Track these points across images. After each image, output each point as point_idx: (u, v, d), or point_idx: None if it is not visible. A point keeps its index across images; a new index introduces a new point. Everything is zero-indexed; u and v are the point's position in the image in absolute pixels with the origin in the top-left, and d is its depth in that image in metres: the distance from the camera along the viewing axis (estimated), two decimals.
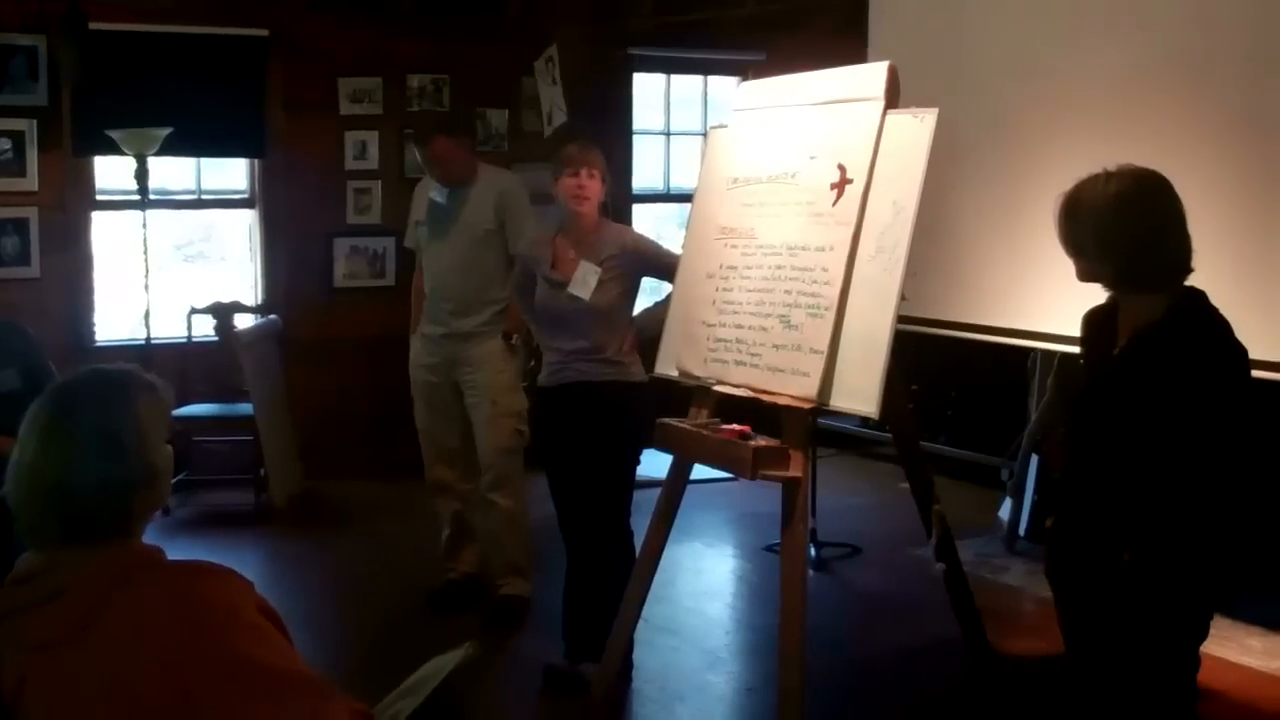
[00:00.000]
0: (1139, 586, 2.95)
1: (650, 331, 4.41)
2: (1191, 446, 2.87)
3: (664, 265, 4.42)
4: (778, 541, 4.01)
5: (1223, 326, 2.94)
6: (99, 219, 7.24)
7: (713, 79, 8.81)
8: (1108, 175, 2.98)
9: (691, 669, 4.72)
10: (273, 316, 7.36)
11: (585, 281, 4.33)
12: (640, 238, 4.51)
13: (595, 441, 4.35)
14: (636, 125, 8.45)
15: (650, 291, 4.70)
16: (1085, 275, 3.06)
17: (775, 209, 3.99)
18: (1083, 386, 3.21)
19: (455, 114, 7.50)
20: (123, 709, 1.86)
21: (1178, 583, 2.92)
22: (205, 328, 7.22)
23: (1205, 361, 2.89)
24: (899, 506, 5.76)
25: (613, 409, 4.34)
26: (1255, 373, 3.10)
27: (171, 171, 7.53)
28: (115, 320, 7.40)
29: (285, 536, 6.45)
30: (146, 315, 6.90)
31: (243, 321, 7.23)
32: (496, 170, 5.44)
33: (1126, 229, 2.92)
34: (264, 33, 7.40)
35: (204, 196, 7.74)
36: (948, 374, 7.37)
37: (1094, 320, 3.19)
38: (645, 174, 8.50)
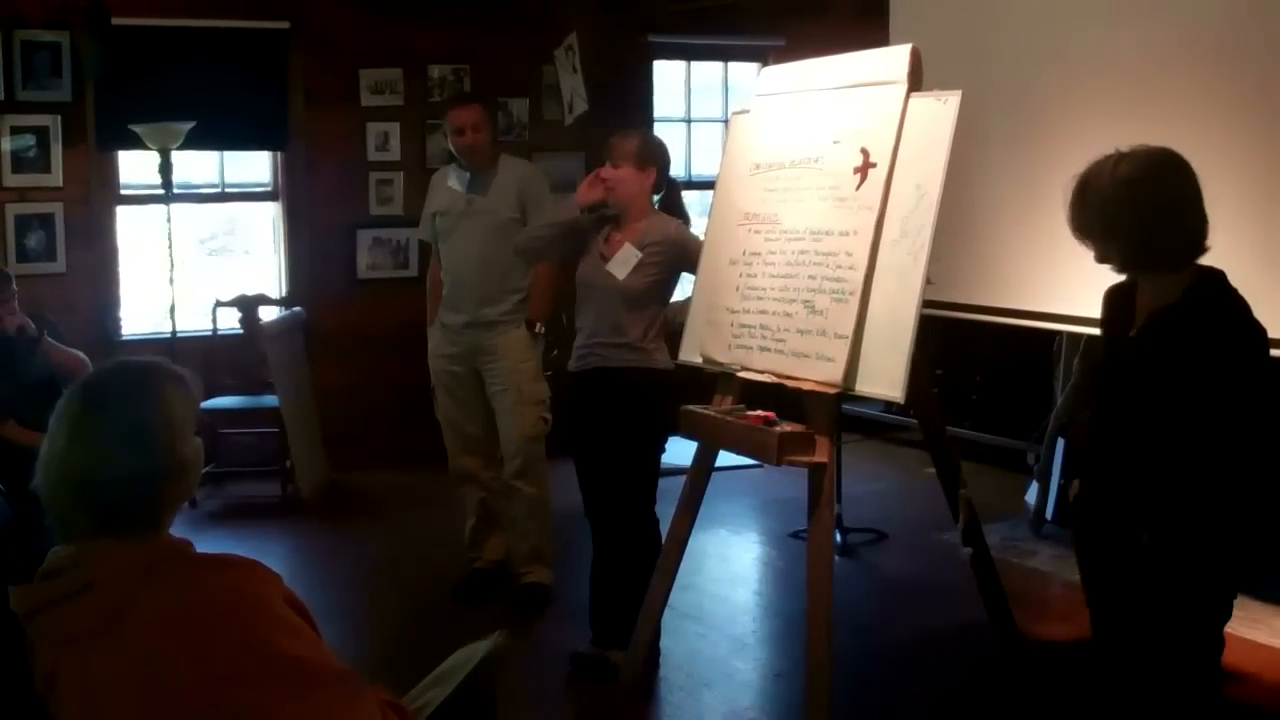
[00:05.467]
0: (1159, 567, 2.94)
1: (678, 322, 4.41)
2: (1209, 427, 2.85)
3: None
4: (804, 528, 4.01)
5: (1241, 306, 2.92)
6: (123, 213, 7.27)
7: (733, 65, 8.79)
8: (1119, 156, 2.96)
9: (718, 655, 4.72)
10: (297, 309, 7.38)
11: (625, 261, 4.35)
12: (685, 232, 4.51)
13: (618, 428, 4.36)
14: (657, 113, 8.45)
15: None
16: (1098, 257, 3.05)
17: (798, 194, 3.98)
18: (1101, 366, 3.20)
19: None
20: (152, 701, 1.87)
21: (1197, 563, 2.91)
22: (230, 321, 7.23)
23: (1223, 342, 2.87)
24: (925, 491, 5.75)
25: (635, 396, 4.34)
26: (1276, 351, 3.08)
27: (195, 165, 7.56)
28: (141, 314, 7.44)
29: (312, 528, 6.48)
30: (172, 309, 6.92)
31: (267, 314, 7.24)
32: (517, 160, 5.45)
33: (1132, 212, 2.91)
34: (285, 25, 7.41)
35: (227, 190, 7.77)
36: (973, 358, 7.34)
37: (1114, 298, 3.16)
38: None
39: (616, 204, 4.43)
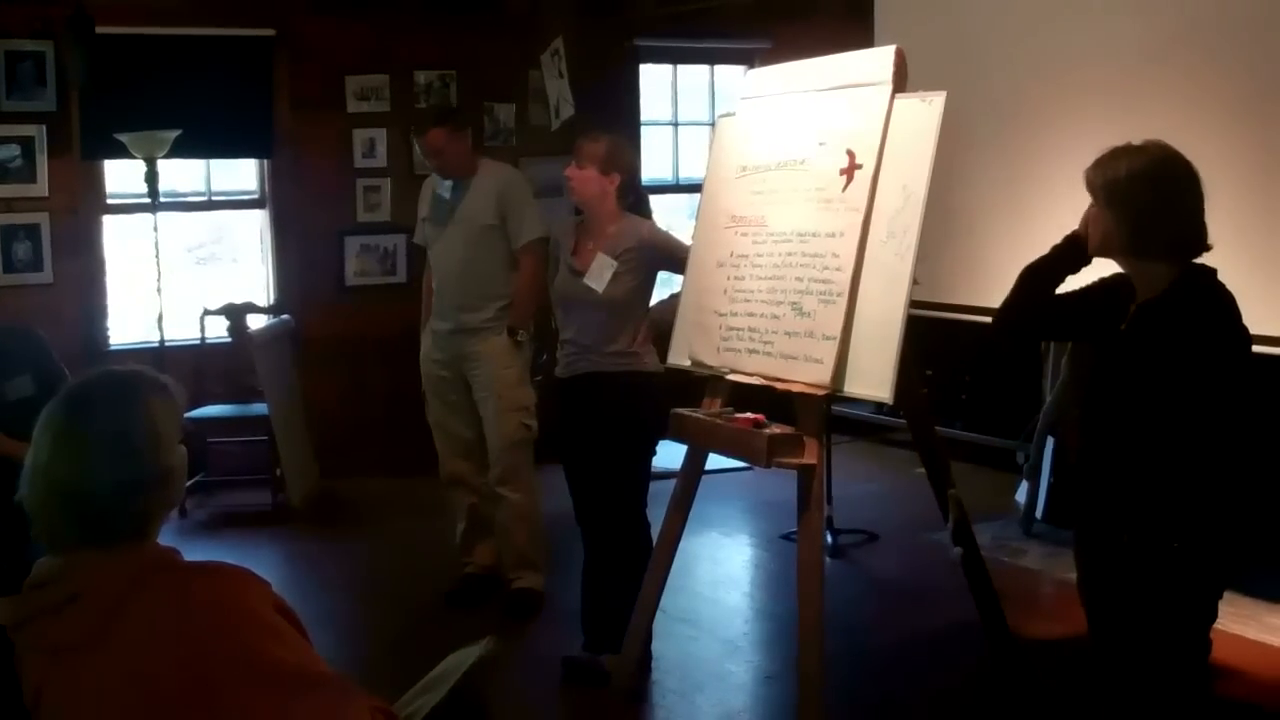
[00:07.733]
0: (1140, 569, 2.94)
1: (665, 323, 4.41)
2: (1187, 427, 2.85)
3: (679, 259, 4.42)
4: (794, 530, 4.01)
5: (1226, 306, 2.91)
6: (110, 223, 7.25)
7: (719, 68, 8.80)
8: (1129, 146, 2.98)
9: (710, 658, 4.72)
10: (285, 316, 7.37)
11: (600, 274, 4.34)
12: (656, 231, 4.52)
13: (609, 432, 4.36)
14: (644, 116, 8.44)
15: (666, 284, 4.71)
16: (1094, 249, 3.05)
17: (785, 196, 3.98)
18: (1093, 361, 3.19)
19: (454, 107, 7.44)
20: (141, 712, 1.86)
21: (1175, 565, 2.90)
22: (219, 329, 7.24)
23: (1204, 341, 2.87)
24: (915, 492, 5.74)
25: (626, 400, 4.34)
26: (1266, 349, 3.08)
27: (181, 173, 7.55)
28: (129, 323, 7.41)
29: (302, 536, 6.47)
30: (160, 318, 6.91)
31: (256, 322, 7.23)
32: (498, 165, 5.42)
33: (1137, 197, 2.92)
34: (270, 32, 7.40)
35: (214, 198, 7.75)
36: (962, 358, 7.35)
37: (1112, 287, 3.15)
38: (654, 165, 8.46)
39: (579, 203, 4.44)
